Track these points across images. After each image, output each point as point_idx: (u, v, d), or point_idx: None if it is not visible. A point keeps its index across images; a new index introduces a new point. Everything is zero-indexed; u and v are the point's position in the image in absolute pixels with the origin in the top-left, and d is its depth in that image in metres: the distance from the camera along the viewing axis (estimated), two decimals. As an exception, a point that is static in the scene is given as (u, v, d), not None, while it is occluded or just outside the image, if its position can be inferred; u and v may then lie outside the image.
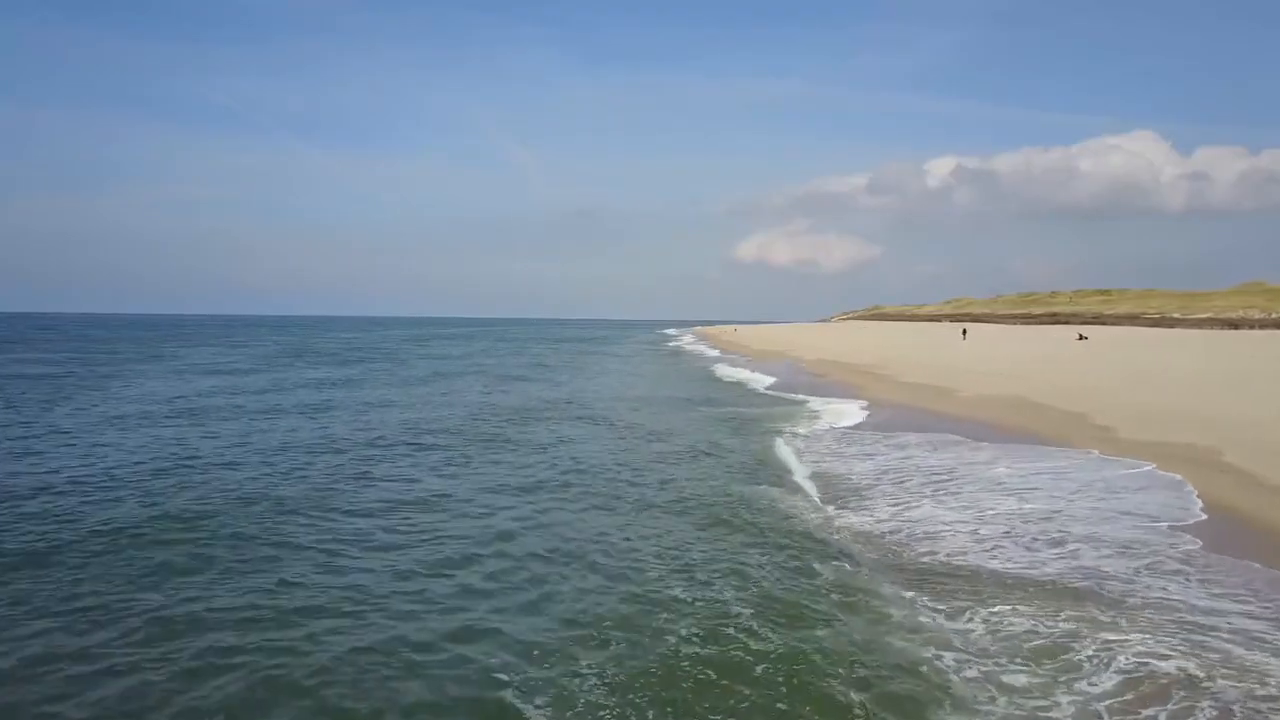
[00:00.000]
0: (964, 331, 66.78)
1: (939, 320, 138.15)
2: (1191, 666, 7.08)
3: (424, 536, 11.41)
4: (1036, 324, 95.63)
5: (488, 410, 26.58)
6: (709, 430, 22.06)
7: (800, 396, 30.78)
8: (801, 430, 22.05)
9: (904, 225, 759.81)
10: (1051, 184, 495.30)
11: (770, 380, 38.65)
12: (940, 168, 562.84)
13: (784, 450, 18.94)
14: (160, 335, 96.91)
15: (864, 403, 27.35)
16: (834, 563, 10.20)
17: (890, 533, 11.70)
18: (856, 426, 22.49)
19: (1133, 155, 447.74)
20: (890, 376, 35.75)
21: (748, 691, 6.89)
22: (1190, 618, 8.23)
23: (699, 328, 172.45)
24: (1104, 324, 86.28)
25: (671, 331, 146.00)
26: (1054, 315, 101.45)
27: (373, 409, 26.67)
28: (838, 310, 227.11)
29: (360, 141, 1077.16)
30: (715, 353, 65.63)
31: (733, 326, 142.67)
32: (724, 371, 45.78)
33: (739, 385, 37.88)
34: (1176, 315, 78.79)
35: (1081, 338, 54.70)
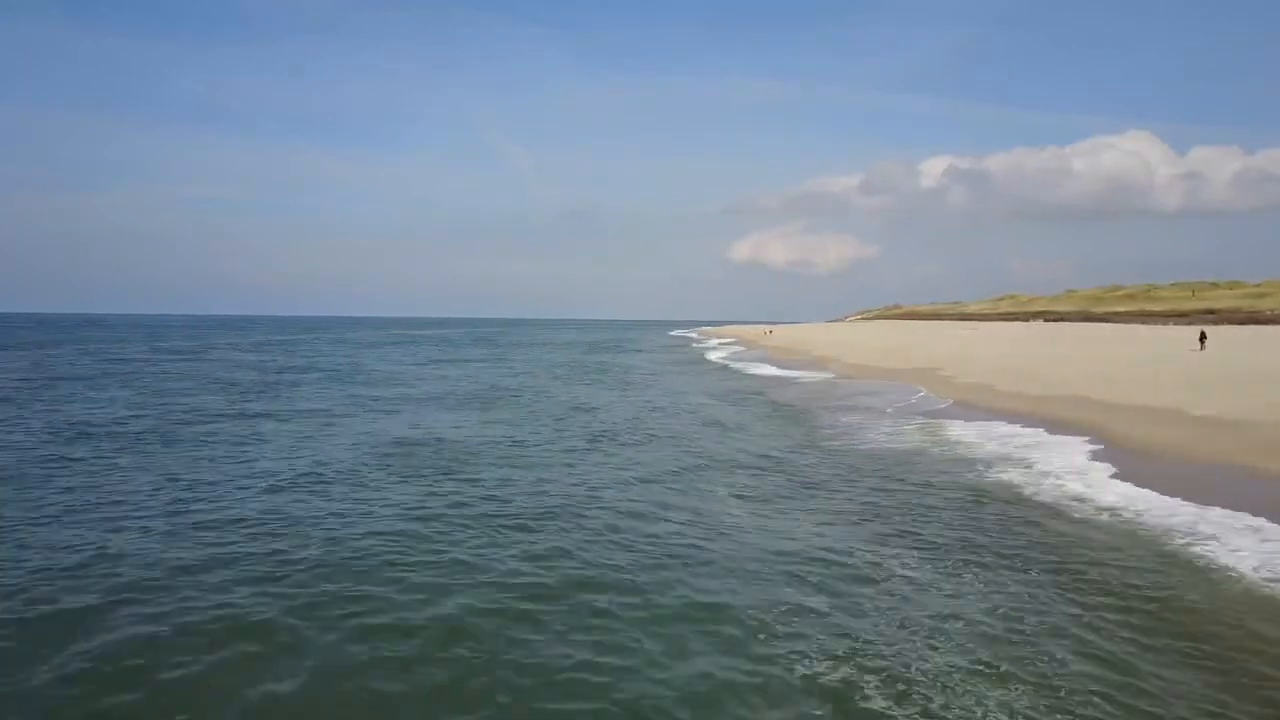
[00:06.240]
0: (1202, 338, 42.79)
1: (1021, 320, 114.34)
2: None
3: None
4: (1199, 324, 71.14)
5: None
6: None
7: None
8: None
9: (899, 225, 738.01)
10: (1045, 184, 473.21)
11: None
12: (933, 168, 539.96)
13: None
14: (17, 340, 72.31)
15: None
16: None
17: None
18: None
19: (1128, 155, 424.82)
20: None
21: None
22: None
23: (706, 328, 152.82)
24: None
25: (688, 335, 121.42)
26: (1210, 312, 77.33)
27: None
28: (849, 310, 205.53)
29: (360, 141, 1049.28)
30: (871, 395, 40.69)
31: (766, 328, 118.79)
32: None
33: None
34: None
35: None
